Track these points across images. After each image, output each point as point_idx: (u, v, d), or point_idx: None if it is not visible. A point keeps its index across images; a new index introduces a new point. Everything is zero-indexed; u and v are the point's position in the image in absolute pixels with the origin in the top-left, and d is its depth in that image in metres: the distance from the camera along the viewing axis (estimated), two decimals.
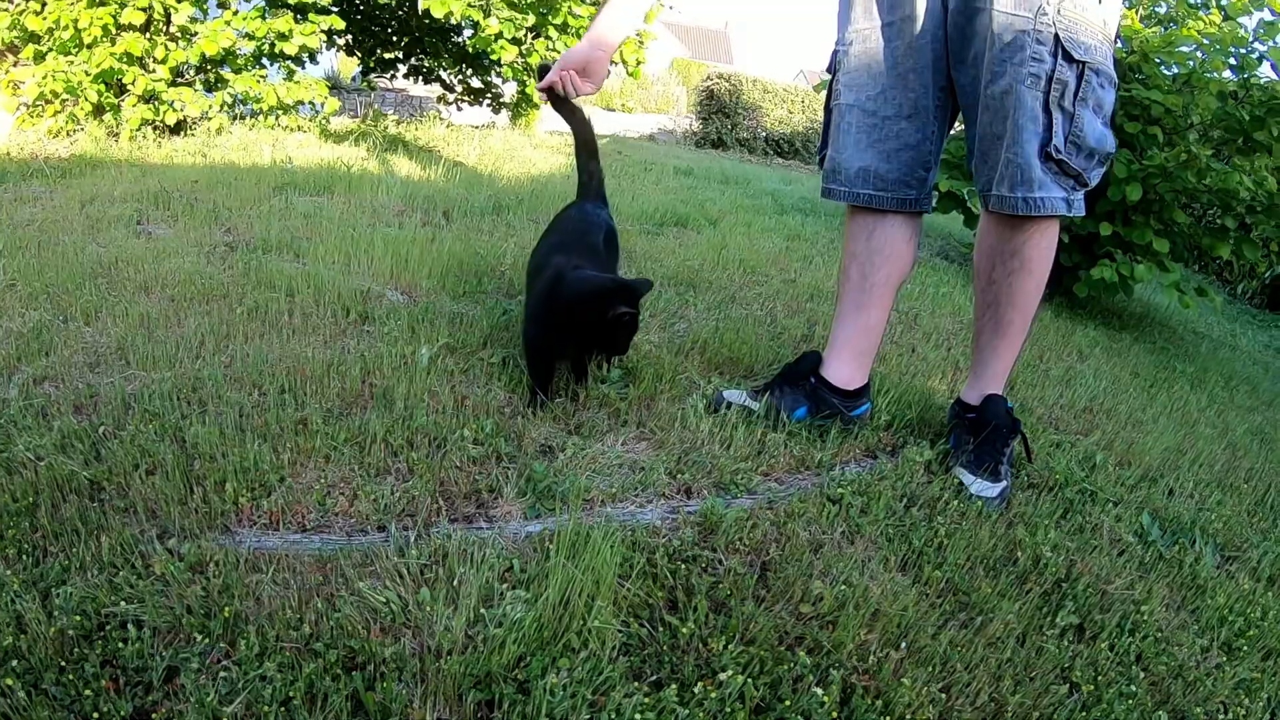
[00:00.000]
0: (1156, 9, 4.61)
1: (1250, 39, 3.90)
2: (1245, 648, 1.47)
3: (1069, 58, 1.62)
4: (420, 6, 6.24)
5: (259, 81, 6.17)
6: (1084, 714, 1.21)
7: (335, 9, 7.07)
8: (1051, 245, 1.82)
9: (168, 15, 5.84)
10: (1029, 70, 1.62)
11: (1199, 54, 3.94)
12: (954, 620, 1.36)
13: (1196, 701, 1.29)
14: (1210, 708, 1.29)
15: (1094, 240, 4.13)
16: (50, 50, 5.73)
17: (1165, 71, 4.06)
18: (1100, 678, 1.29)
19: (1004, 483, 1.76)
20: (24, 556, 1.22)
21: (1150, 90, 3.90)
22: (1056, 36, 1.61)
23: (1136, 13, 4.13)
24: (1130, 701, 1.25)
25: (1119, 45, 4.14)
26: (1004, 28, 1.64)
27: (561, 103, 2.08)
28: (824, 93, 2.06)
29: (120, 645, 1.06)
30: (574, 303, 1.77)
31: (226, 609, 1.12)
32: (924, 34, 1.80)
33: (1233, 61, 3.92)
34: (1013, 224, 1.78)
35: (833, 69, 1.97)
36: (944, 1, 1.78)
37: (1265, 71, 3.94)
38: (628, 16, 2.03)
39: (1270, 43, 3.90)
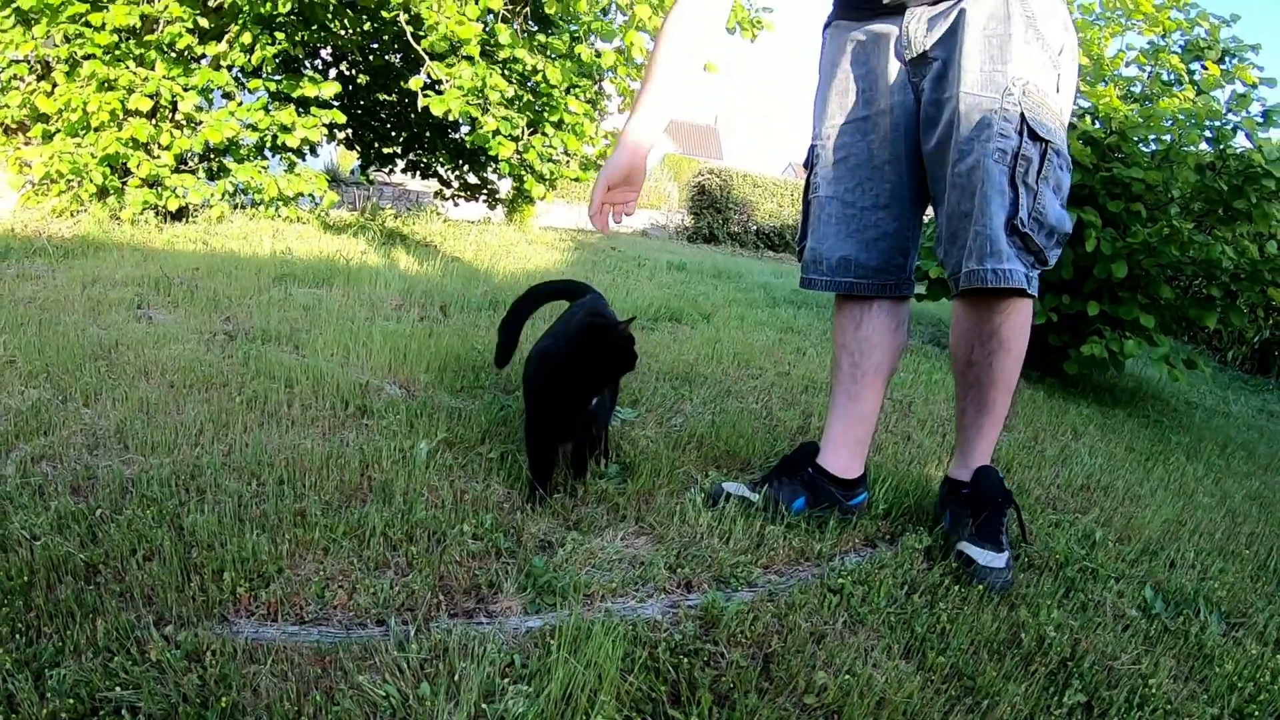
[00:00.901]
0: (1132, 89, 4.74)
1: (1224, 111, 4.02)
2: (1257, 713, 1.46)
3: (1034, 136, 1.69)
4: (420, 104, 6.39)
5: (260, 172, 6.29)
6: None
7: (336, 103, 7.24)
8: (1026, 323, 1.85)
9: (174, 103, 5.98)
10: (996, 145, 1.69)
11: (1176, 130, 4.05)
12: (959, 706, 1.34)
13: None
14: None
15: (1082, 319, 4.18)
16: (58, 131, 5.85)
17: (1143, 149, 4.17)
18: None
19: (1007, 552, 1.76)
20: (18, 636, 1.21)
21: (1130, 168, 3.99)
22: (1022, 115, 1.68)
23: (1114, 90, 4.24)
24: None
25: (1097, 126, 4.26)
26: (971, 107, 1.71)
27: None
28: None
29: None
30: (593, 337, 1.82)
31: (224, 699, 1.11)
32: (897, 127, 1.89)
33: (1208, 134, 4.03)
34: (988, 305, 1.82)
35: (810, 164, 2.04)
36: (916, 95, 1.86)
37: (1240, 141, 4.04)
38: (667, 106, 1.88)
39: (1243, 113, 4.01)
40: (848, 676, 1.34)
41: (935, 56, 1.81)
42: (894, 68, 1.88)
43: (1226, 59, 4.51)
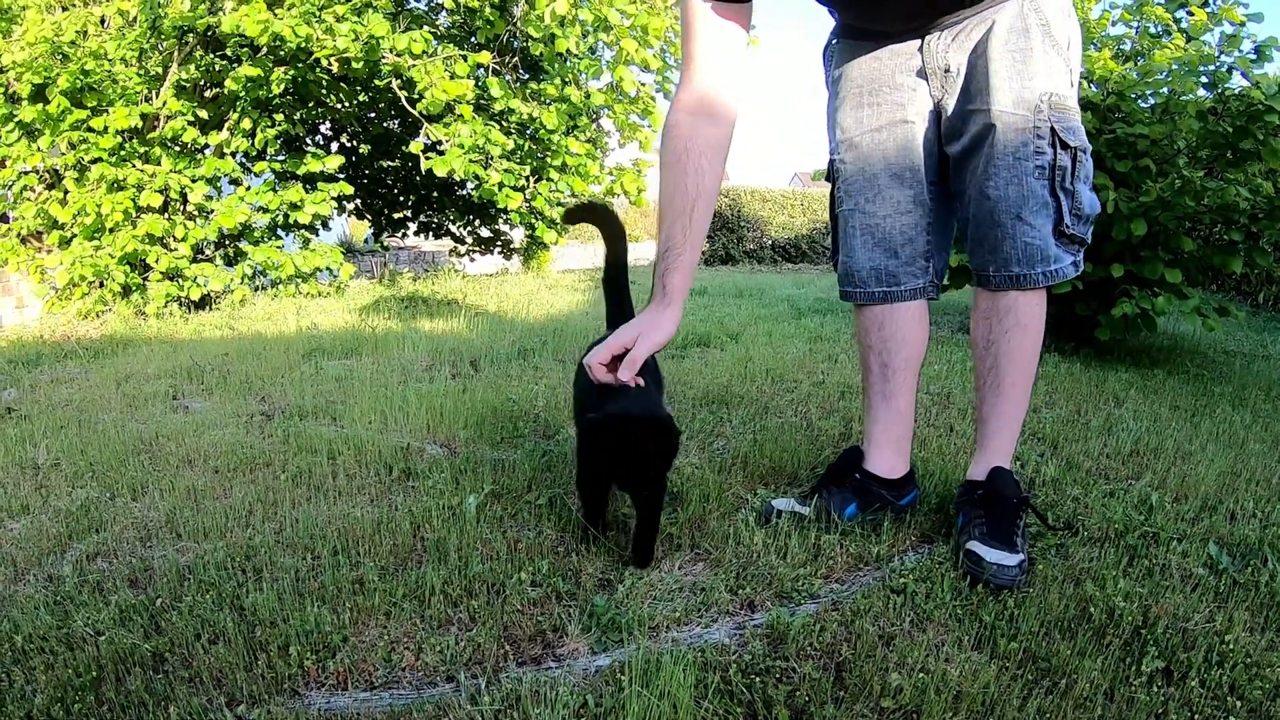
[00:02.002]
0: (1122, 47, 4.72)
1: (1217, 54, 3.99)
2: None
3: (1065, 145, 1.75)
4: (423, 166, 6.48)
5: (277, 251, 6.40)
6: None
7: (342, 175, 7.37)
8: (1042, 304, 1.88)
9: (184, 195, 6.12)
10: (1034, 164, 1.75)
11: (1173, 81, 4.03)
12: (1038, 689, 1.33)
13: None
14: None
15: (1108, 284, 4.14)
16: (75, 236, 5.99)
17: (1142, 105, 4.15)
18: (1197, 716, 1.26)
19: (1021, 554, 1.70)
20: None
21: (1133, 126, 3.97)
22: (1052, 129, 1.74)
23: (1107, 53, 4.23)
24: None
25: (1094, 89, 4.24)
26: (1007, 126, 1.75)
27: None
28: (823, 181, 2.14)
29: None
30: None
31: None
32: (916, 136, 1.91)
33: (1205, 80, 4.00)
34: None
35: (831, 178, 2.05)
36: (937, 106, 1.89)
37: (1237, 81, 4.00)
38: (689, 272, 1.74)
39: (1235, 53, 3.98)
40: (922, 675, 1.33)
41: (958, 70, 1.83)
42: (911, 80, 1.90)
43: (1211, 1, 4.47)
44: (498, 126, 6.68)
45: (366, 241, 11.85)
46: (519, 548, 1.82)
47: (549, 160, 7.37)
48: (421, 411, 2.87)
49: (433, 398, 3.03)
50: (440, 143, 6.61)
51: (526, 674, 1.34)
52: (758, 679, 1.33)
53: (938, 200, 1.97)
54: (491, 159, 6.63)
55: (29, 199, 6.29)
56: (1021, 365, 1.89)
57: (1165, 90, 4.12)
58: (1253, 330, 6.04)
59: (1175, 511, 2.06)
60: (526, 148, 7.23)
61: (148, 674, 1.37)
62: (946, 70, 1.85)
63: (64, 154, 6.02)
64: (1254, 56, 3.96)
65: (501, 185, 6.67)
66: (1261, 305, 7.68)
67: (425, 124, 6.61)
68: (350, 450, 2.47)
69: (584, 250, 16.27)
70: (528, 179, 7.25)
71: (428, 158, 6.47)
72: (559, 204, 7.70)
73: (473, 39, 7.82)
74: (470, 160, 6.42)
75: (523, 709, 1.24)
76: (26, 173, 6.22)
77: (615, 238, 2.05)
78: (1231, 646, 1.43)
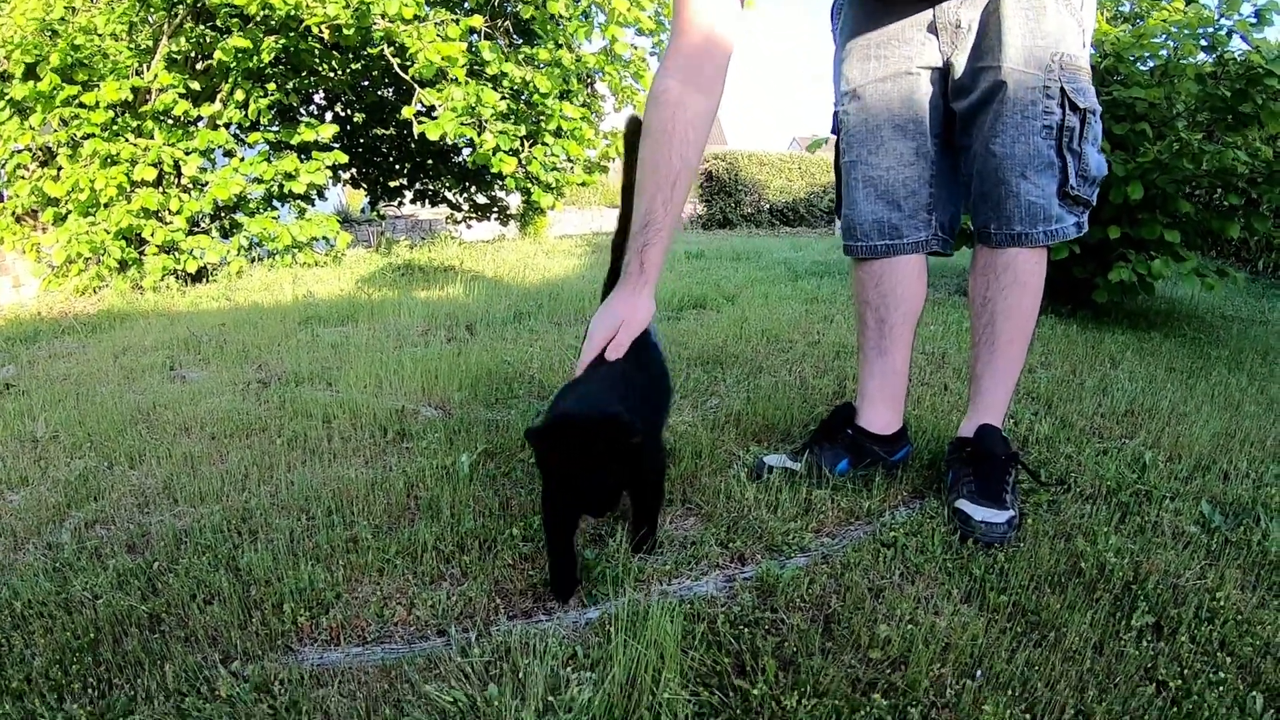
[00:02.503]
0: (1121, 8, 4.68)
1: (1216, 18, 3.95)
2: None
3: (1074, 106, 1.75)
4: (416, 131, 6.45)
5: (273, 222, 6.38)
6: (1175, 710, 1.18)
7: (336, 145, 7.33)
8: (1042, 263, 1.88)
9: (178, 168, 6.09)
10: (1042, 123, 1.75)
11: (1170, 43, 4.00)
12: (1027, 641, 1.33)
13: None
14: None
15: (1105, 247, 4.12)
16: (69, 213, 5.97)
17: (1141, 67, 4.12)
18: (1186, 671, 1.26)
19: (1010, 511, 1.70)
20: (89, 690, 1.24)
21: (1130, 88, 3.94)
22: (1063, 89, 1.74)
23: (1102, 16, 4.19)
24: (1221, 689, 1.22)
25: (1092, 51, 4.20)
26: (1017, 85, 1.75)
27: None
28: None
29: None
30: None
31: None
32: (921, 86, 1.90)
33: (1204, 43, 3.97)
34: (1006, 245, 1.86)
35: (836, 129, 2.05)
36: (945, 61, 1.87)
37: (1236, 45, 3.97)
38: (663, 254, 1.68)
39: (1235, 16, 3.94)
40: (910, 626, 1.34)
41: (969, 26, 1.82)
42: (920, 34, 1.88)
43: None
44: (490, 87, 6.63)
45: (363, 211, 11.83)
46: (511, 505, 1.83)
47: (543, 124, 7.33)
48: (416, 375, 2.87)
49: (428, 361, 3.04)
50: (434, 108, 6.58)
51: (517, 626, 1.35)
52: (746, 630, 1.34)
53: (941, 154, 1.96)
54: (485, 122, 6.59)
55: (22, 177, 6.26)
56: (1018, 323, 1.89)
57: (1164, 53, 4.09)
58: (1251, 296, 6.02)
59: (1168, 470, 2.07)
60: (520, 111, 7.18)
61: (144, 634, 1.38)
62: (958, 25, 1.83)
63: (56, 131, 5.99)
64: (1254, 20, 3.91)
65: (496, 150, 6.64)
66: (1260, 272, 7.65)
67: (418, 89, 6.56)
68: (345, 414, 2.47)
69: (581, 216, 16.23)
70: (522, 142, 7.21)
71: (420, 122, 6.44)
72: (554, 168, 7.67)
73: (465, 4, 7.76)
74: (463, 123, 6.38)
75: (512, 660, 1.25)
76: (19, 151, 6.19)
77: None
78: (1222, 604, 1.44)
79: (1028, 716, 1.16)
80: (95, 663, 1.31)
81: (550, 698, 1.16)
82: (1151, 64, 4.19)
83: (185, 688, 1.24)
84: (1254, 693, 1.21)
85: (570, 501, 1.43)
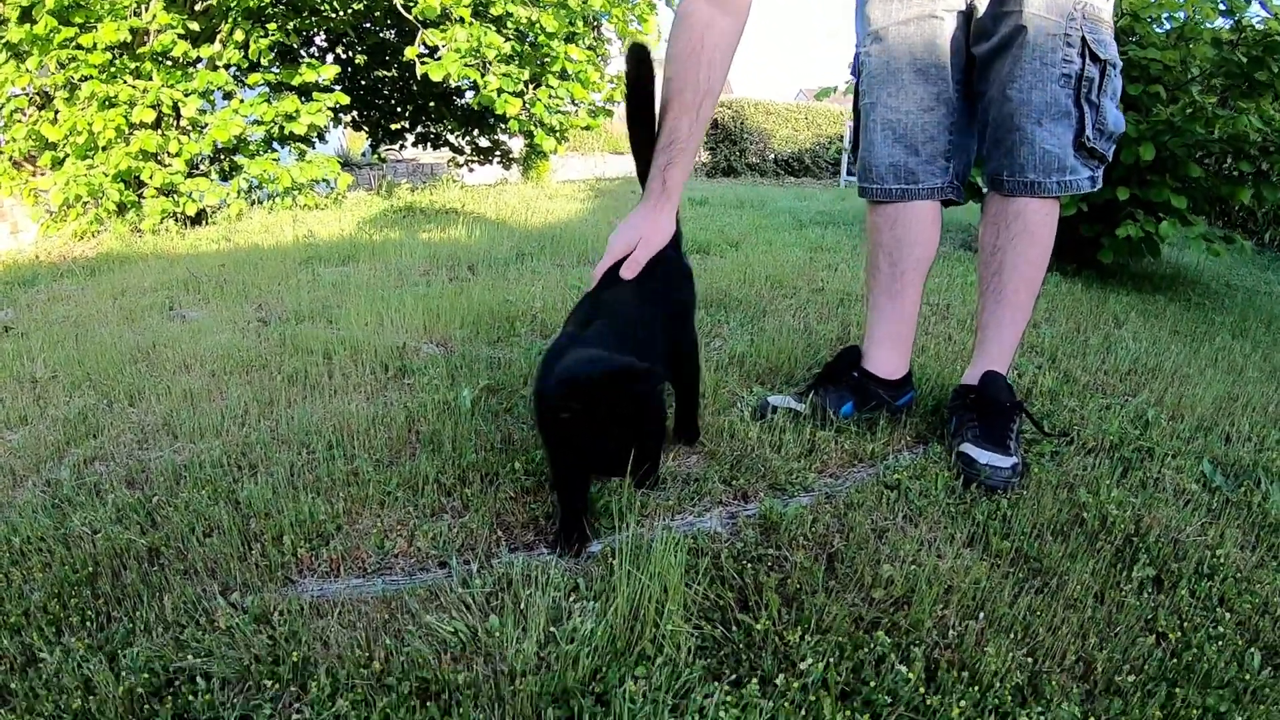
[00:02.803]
0: None
1: None
2: None
3: (1095, 57, 1.73)
4: (419, 72, 6.37)
5: (273, 164, 6.31)
6: (1175, 661, 1.18)
7: (338, 86, 7.23)
8: (1053, 215, 1.87)
9: (177, 110, 6.01)
10: (1061, 71, 1.73)
11: (1189, 6, 3.94)
12: (1029, 586, 1.33)
13: None
14: None
15: (1113, 207, 4.09)
16: (67, 156, 5.90)
17: (1158, 30, 4.06)
18: (1185, 624, 1.27)
19: (1014, 458, 1.70)
20: (88, 623, 1.24)
21: (1146, 49, 3.88)
22: (1084, 39, 1.72)
23: None
24: (1220, 643, 1.22)
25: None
26: (1038, 31, 1.73)
27: None
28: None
29: (190, 699, 1.06)
30: None
31: (294, 654, 1.12)
32: (944, 30, 1.86)
33: (1222, 7, 3.91)
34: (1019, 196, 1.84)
35: (856, 72, 2.01)
36: (967, 2, 1.84)
37: (1255, 11, 3.92)
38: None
39: None
40: (913, 567, 1.34)
41: None
42: None
43: None
44: (495, 29, 6.54)
45: (364, 155, 11.73)
46: (514, 439, 1.82)
47: (548, 66, 7.23)
48: (418, 313, 2.85)
49: (429, 300, 3.02)
50: (437, 48, 6.49)
51: (519, 558, 1.35)
52: (749, 565, 1.33)
53: (963, 100, 1.93)
54: (489, 64, 6.50)
55: (20, 120, 6.19)
56: (1026, 273, 1.87)
57: (1181, 15, 4.03)
58: (1257, 268, 5.99)
59: (1171, 429, 2.06)
60: (525, 53, 7.09)
61: (144, 568, 1.37)
62: None
63: (53, 74, 5.91)
64: None
65: (500, 91, 6.56)
66: (1268, 244, 7.60)
67: (421, 29, 6.47)
68: (346, 350, 2.45)
69: (584, 162, 16.12)
70: (526, 85, 7.13)
71: (424, 63, 6.35)
72: (559, 111, 7.59)
73: None
74: (467, 65, 6.30)
75: (514, 591, 1.25)
76: (16, 95, 6.11)
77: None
78: (1222, 560, 1.44)
79: (1029, 660, 1.16)
80: (94, 595, 1.31)
81: (552, 629, 1.16)
82: (1169, 26, 4.12)
83: (184, 619, 1.23)
84: (1252, 649, 1.21)
85: (588, 464, 1.38)
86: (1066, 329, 3.03)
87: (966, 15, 1.86)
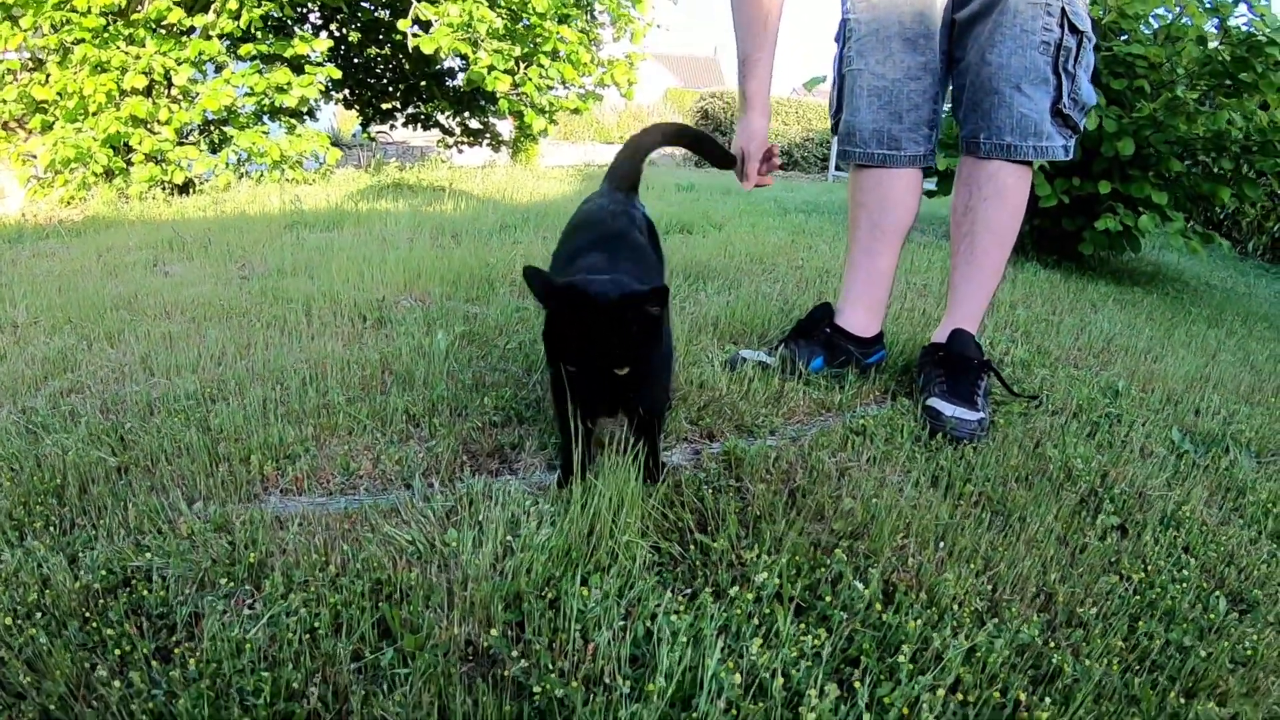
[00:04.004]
0: None
1: None
2: None
3: (1073, 28, 1.79)
4: (410, 45, 6.37)
5: (262, 137, 6.29)
6: (1138, 599, 1.19)
7: (330, 62, 7.22)
8: (1026, 180, 1.92)
9: (168, 78, 5.98)
10: (1041, 39, 1.79)
11: (1175, 4, 3.97)
12: (991, 525, 1.35)
13: (1253, 585, 1.28)
14: (1269, 590, 1.27)
15: (1094, 201, 4.12)
16: (56, 120, 5.86)
17: (1144, 30, 4.09)
18: (1150, 567, 1.28)
19: (981, 413, 1.73)
20: (51, 528, 1.25)
21: (1132, 45, 3.91)
22: (1063, 9, 1.77)
23: None
24: (1184, 584, 1.23)
25: (1093, 4, 4.17)
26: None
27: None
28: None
29: (145, 594, 1.07)
30: None
31: (251, 556, 1.14)
32: (933, 3, 1.89)
33: (1208, 5, 3.94)
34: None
35: (841, 38, 2.04)
36: None
37: (1241, 12, 3.95)
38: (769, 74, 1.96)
39: None
40: (874, 500, 1.35)
41: None
42: None
43: None
44: (486, 5, 6.55)
45: (354, 136, 11.71)
46: (485, 381, 1.83)
47: (540, 46, 7.24)
48: (399, 271, 2.86)
49: (411, 259, 3.02)
50: (430, 24, 6.49)
51: (480, 480, 1.36)
52: (710, 492, 1.35)
53: (946, 71, 1.97)
54: (480, 39, 6.51)
55: (11, 82, 6.15)
56: (997, 234, 1.90)
57: (1167, 13, 4.06)
58: (1238, 273, 6.04)
59: (1140, 400, 2.08)
60: (518, 32, 7.09)
61: (112, 483, 1.38)
62: None
63: (46, 36, 5.87)
64: None
65: (491, 69, 6.56)
66: (1250, 253, 7.64)
67: (415, 3, 6.47)
68: (326, 302, 2.46)
69: (573, 150, 16.13)
70: (517, 63, 7.13)
71: (415, 36, 6.35)
72: (549, 89, 7.59)
73: None
74: (458, 39, 6.30)
75: (474, 509, 1.26)
76: (9, 56, 6.07)
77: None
78: (1188, 514, 1.46)
79: (989, 588, 1.17)
80: (60, 504, 1.32)
81: (509, 538, 1.17)
82: (1156, 24, 4.16)
83: (146, 525, 1.25)
84: (1218, 593, 1.23)
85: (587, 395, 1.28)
86: (1042, 311, 3.05)
87: None
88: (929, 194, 4.98)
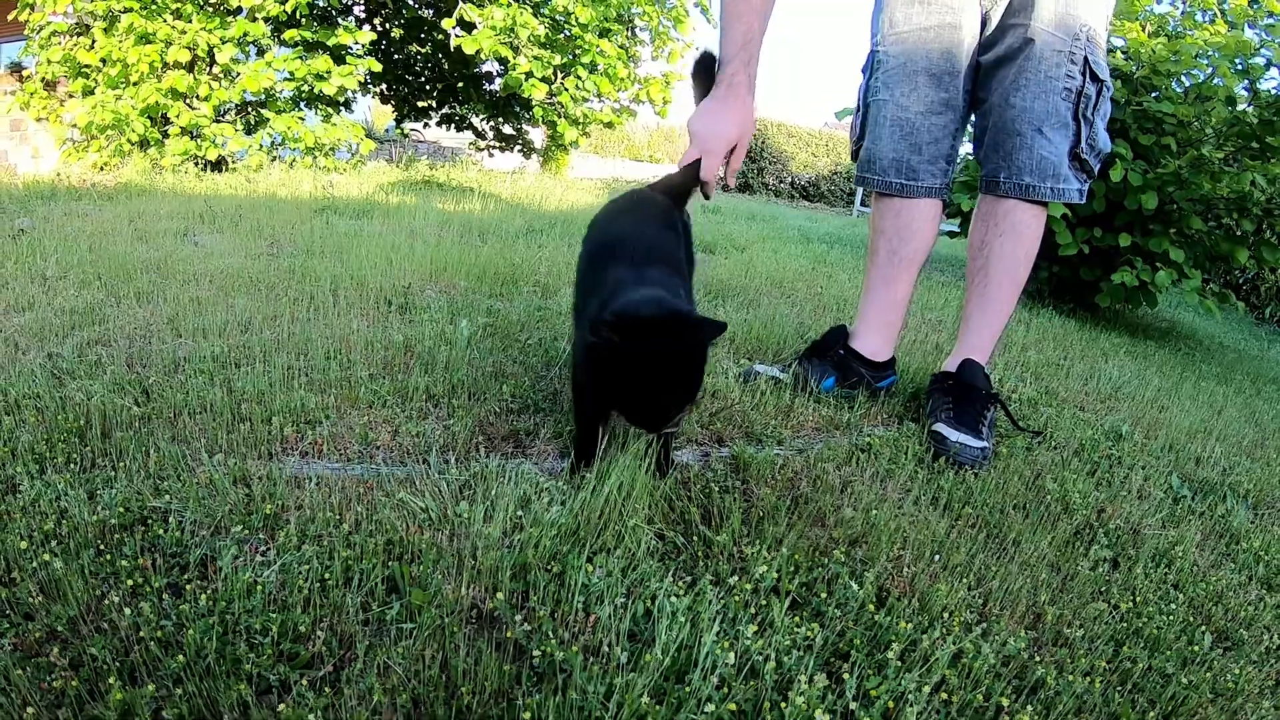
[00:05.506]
0: (1164, 28, 4.68)
1: (1256, 46, 3.97)
2: None
3: (1095, 77, 1.86)
4: (453, 44, 6.46)
5: (298, 122, 6.37)
6: (1124, 625, 1.22)
7: (371, 55, 7.31)
8: (1040, 221, 1.97)
9: (211, 55, 6.07)
10: (1064, 85, 1.85)
11: (1208, 65, 4.02)
12: (986, 547, 1.38)
13: (1239, 625, 1.30)
14: (1255, 631, 1.30)
15: (1114, 254, 4.16)
16: (98, 85, 5.95)
17: (1176, 88, 4.14)
18: (1138, 599, 1.31)
19: (985, 442, 1.76)
20: (73, 464, 1.28)
21: (1162, 103, 3.96)
22: (1086, 59, 1.84)
23: (1144, 28, 4.20)
24: (1171, 617, 1.26)
25: (1126, 59, 4.22)
26: (1045, 45, 1.85)
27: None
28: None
29: (160, 533, 1.11)
30: None
31: (268, 507, 1.18)
32: (961, 40, 1.94)
33: (1239, 66, 3.98)
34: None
35: (869, 69, 2.09)
36: (983, 14, 1.94)
37: (1272, 75, 3.99)
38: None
39: (1276, 43, 3.96)
40: (874, 513, 1.38)
41: None
42: None
43: None
44: (531, 12, 6.64)
45: (387, 130, 11.80)
46: (505, 371, 1.87)
47: (579, 57, 7.33)
48: (426, 261, 2.91)
49: (438, 252, 3.08)
50: (474, 26, 6.58)
51: (495, 460, 1.40)
52: (717, 491, 1.38)
53: (970, 108, 2.03)
54: (521, 44, 6.60)
55: (58, 44, 6.26)
56: (1010, 269, 1.96)
57: (1199, 74, 4.11)
58: (1253, 336, 6.06)
59: (1142, 445, 2.11)
60: (558, 42, 7.18)
61: (135, 429, 1.42)
62: None
63: (95, 1, 5.98)
64: None
65: (529, 75, 6.64)
66: (1267, 319, 7.66)
67: (460, 3, 6.57)
68: (353, 283, 2.51)
69: (603, 164, 16.23)
70: (555, 72, 7.21)
71: (458, 35, 6.44)
72: (584, 100, 7.67)
73: None
74: (500, 42, 6.39)
75: (487, 486, 1.30)
76: (57, 19, 6.17)
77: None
78: (1180, 554, 1.48)
79: (980, 601, 1.20)
80: (82, 444, 1.36)
81: (519, 513, 1.21)
82: (1188, 82, 4.20)
83: (166, 471, 1.28)
84: (1203, 628, 1.26)
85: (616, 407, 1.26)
86: (1054, 355, 3.09)
87: (983, 26, 1.95)
88: (950, 234, 5.04)
